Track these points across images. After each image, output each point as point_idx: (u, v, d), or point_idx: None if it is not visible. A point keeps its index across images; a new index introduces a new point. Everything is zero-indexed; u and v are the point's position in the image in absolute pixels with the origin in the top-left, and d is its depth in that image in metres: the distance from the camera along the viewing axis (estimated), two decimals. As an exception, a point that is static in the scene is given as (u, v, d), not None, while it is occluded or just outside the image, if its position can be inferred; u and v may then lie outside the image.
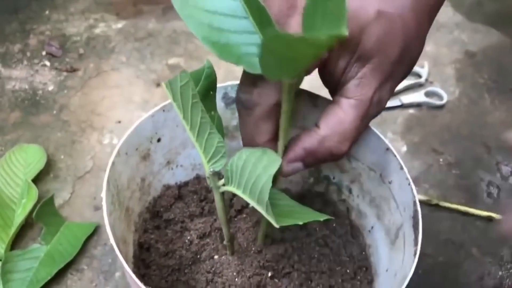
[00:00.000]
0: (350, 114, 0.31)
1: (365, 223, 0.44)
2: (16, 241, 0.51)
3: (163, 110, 0.40)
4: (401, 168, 0.36)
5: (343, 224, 0.45)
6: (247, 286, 0.38)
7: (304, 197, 0.47)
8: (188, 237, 0.42)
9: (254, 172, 0.28)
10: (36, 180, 0.55)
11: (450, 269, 0.52)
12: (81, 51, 0.73)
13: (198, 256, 0.41)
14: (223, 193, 0.34)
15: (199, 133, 0.31)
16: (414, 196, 0.35)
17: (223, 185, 0.32)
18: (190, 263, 0.41)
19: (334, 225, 0.45)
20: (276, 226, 0.27)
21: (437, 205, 0.57)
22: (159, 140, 0.42)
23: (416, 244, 0.33)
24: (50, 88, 0.68)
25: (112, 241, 0.31)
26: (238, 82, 0.43)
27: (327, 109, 0.32)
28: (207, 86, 0.34)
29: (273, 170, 0.27)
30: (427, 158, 0.62)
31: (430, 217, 0.56)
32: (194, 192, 0.46)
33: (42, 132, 0.62)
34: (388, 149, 0.37)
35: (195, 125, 0.31)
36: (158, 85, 0.69)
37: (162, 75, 0.71)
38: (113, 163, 0.36)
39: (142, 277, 0.41)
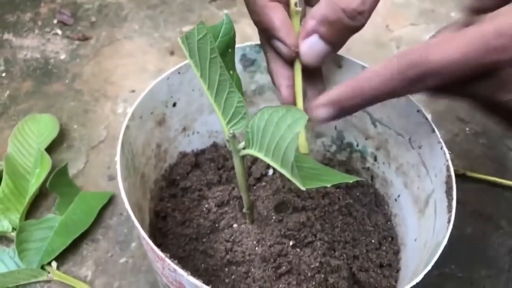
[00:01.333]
0: None
1: (390, 192, 0.41)
2: (31, 211, 0.50)
3: (179, 73, 0.38)
4: (433, 131, 0.34)
5: (367, 193, 0.43)
6: (267, 255, 0.36)
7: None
8: (206, 206, 0.41)
9: (277, 132, 0.26)
10: (50, 150, 0.54)
11: (478, 242, 0.49)
12: (93, 19, 0.71)
13: (217, 225, 0.40)
14: (243, 158, 0.32)
15: (217, 92, 0.29)
16: (447, 160, 0.33)
17: (244, 148, 0.30)
18: (208, 232, 0.40)
19: (357, 194, 0.43)
20: (303, 188, 0.25)
21: (463, 176, 0.54)
22: (174, 104, 0.40)
23: (450, 211, 0.31)
24: (62, 57, 0.66)
25: (127, 205, 0.29)
26: (256, 43, 0.41)
27: None
28: (225, 43, 0.32)
29: (299, 128, 0.25)
30: (452, 127, 0.60)
31: (456, 188, 0.53)
32: (211, 160, 0.44)
33: (54, 101, 0.60)
34: (419, 111, 0.35)
35: (213, 84, 0.29)
36: (172, 53, 0.67)
37: (176, 43, 0.68)
38: (127, 126, 0.34)
39: (158, 246, 0.40)
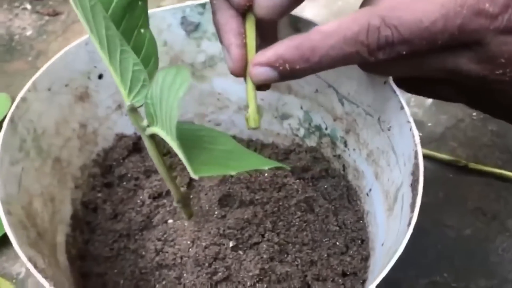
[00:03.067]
0: None
1: (363, 184, 0.34)
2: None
3: (101, 37, 0.32)
4: (402, 107, 0.27)
5: (338, 186, 0.36)
6: (202, 258, 0.30)
7: (291, 153, 0.39)
8: (141, 197, 0.35)
9: (168, 100, 0.20)
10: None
11: (479, 245, 0.42)
12: (66, -7, 0.66)
13: (151, 220, 0.34)
14: (153, 137, 0.25)
15: (110, 52, 0.23)
16: (415, 145, 0.25)
17: (148, 125, 0.24)
18: (141, 228, 0.34)
19: (325, 187, 0.36)
20: (194, 177, 0.19)
21: (466, 167, 0.46)
22: (100, 76, 0.34)
23: (412, 210, 0.23)
24: (29, 33, 0.61)
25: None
26: (199, 2, 0.34)
27: None
28: (132, -7, 0.25)
29: (181, 92, 0.18)
30: (456, 111, 0.52)
31: (456, 181, 0.45)
32: (156, 144, 0.38)
33: (14, 80, 0.56)
34: (385, 82, 0.28)
35: (103, 41, 0.23)
36: (147, 28, 0.61)
37: (153, 18, 0.62)
38: (23, 99, 0.28)
39: (85, 243, 0.34)
